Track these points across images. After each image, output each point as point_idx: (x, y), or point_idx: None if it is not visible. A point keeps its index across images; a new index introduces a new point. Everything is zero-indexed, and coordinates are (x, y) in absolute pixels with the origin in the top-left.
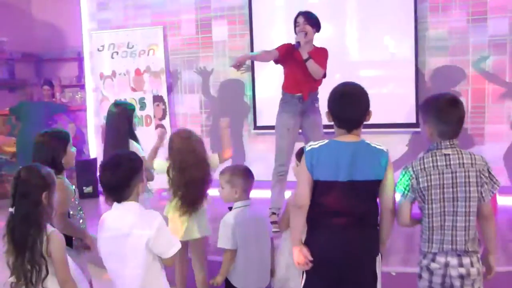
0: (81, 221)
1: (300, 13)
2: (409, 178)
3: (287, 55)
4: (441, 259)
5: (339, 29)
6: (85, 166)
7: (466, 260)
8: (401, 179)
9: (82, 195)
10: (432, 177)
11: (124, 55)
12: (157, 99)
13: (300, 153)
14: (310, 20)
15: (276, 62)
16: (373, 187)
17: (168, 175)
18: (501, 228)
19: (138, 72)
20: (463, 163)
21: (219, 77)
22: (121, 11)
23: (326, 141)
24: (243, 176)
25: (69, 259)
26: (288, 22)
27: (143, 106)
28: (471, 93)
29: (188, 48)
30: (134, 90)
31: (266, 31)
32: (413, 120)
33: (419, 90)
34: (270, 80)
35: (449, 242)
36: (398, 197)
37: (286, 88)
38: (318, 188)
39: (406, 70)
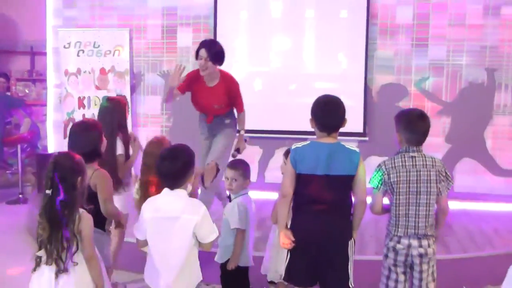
0: None
1: (203, 46)
2: (382, 174)
3: (191, 84)
4: (405, 241)
5: (297, 43)
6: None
7: (424, 242)
8: (375, 175)
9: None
10: (401, 174)
11: (90, 54)
12: None
13: (287, 153)
14: (212, 56)
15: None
16: (347, 181)
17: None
18: None
19: (103, 71)
20: (426, 164)
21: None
22: (88, 11)
23: (309, 142)
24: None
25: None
26: (251, 33)
27: None
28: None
29: (152, 52)
30: (98, 88)
31: (229, 40)
32: (361, 130)
33: (367, 103)
34: None
35: (413, 227)
36: (370, 190)
37: (196, 107)
38: (301, 180)
39: (356, 85)
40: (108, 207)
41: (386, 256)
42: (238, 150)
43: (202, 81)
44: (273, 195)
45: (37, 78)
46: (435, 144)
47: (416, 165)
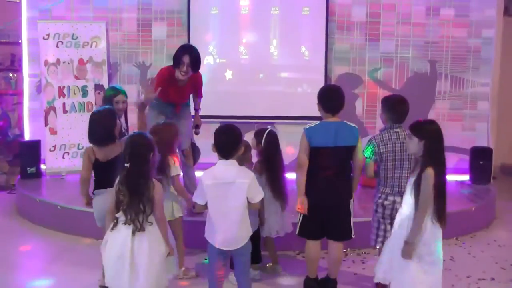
0: None
1: (187, 52)
2: (373, 146)
3: (164, 82)
4: (391, 198)
5: (264, 37)
6: (29, 147)
7: None
8: (367, 147)
9: (26, 176)
10: (388, 145)
11: (69, 45)
12: (98, 87)
13: (259, 133)
14: (194, 63)
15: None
16: (349, 150)
17: None
18: None
19: (81, 61)
20: (406, 137)
21: (157, 71)
22: (63, 3)
23: (318, 122)
24: None
25: None
26: (222, 27)
27: (85, 93)
28: (367, 96)
29: (128, 44)
30: (77, 78)
31: (202, 33)
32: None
33: None
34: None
35: (397, 186)
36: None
37: (162, 98)
38: (313, 152)
39: (317, 74)
40: None
41: (376, 211)
42: (198, 127)
43: (174, 79)
44: None
45: (7, 67)
46: None
47: (399, 138)
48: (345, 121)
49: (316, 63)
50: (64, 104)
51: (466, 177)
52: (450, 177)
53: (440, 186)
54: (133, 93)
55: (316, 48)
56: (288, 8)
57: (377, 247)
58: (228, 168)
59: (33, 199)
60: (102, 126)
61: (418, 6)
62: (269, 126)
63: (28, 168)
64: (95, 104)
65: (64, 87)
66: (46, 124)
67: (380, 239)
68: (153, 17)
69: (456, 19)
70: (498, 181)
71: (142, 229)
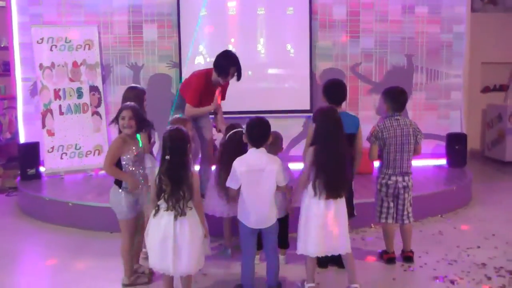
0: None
1: (235, 65)
2: (377, 132)
3: (201, 89)
4: (393, 177)
5: (251, 36)
6: (29, 149)
7: (406, 178)
8: (372, 133)
9: (26, 177)
10: (390, 131)
11: (63, 49)
12: (93, 89)
13: (228, 127)
14: (239, 75)
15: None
16: (352, 138)
17: None
18: None
19: (75, 64)
20: (406, 124)
21: (149, 71)
22: (54, 7)
23: None
24: None
25: None
26: (211, 28)
27: (80, 95)
28: (349, 89)
29: (120, 46)
30: (72, 80)
31: (191, 34)
32: (308, 108)
33: (312, 85)
34: None
35: (399, 167)
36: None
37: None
38: None
39: (303, 70)
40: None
41: (380, 190)
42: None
43: (209, 85)
44: None
45: None
46: (368, 116)
47: (400, 125)
48: (347, 111)
49: (301, 59)
50: (60, 106)
51: (443, 161)
52: (428, 162)
53: (320, 163)
54: None
55: (300, 45)
56: (273, 8)
57: (382, 221)
58: (259, 156)
59: (41, 199)
60: None
61: (394, 5)
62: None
63: (28, 170)
64: (91, 104)
65: (59, 89)
66: (43, 126)
67: (383, 215)
68: (144, 20)
69: (430, 16)
70: (468, 165)
71: (183, 213)
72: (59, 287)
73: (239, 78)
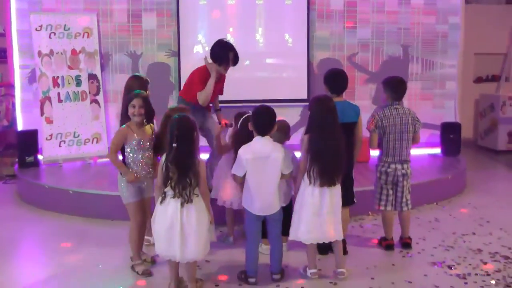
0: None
1: (231, 50)
2: (377, 121)
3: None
4: (392, 165)
5: (250, 26)
6: (27, 137)
7: (405, 166)
8: (372, 121)
9: (25, 164)
10: (390, 120)
11: (61, 36)
12: (92, 77)
13: (237, 116)
14: (236, 59)
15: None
16: (353, 126)
17: None
18: None
19: (74, 52)
20: (405, 113)
21: (148, 60)
22: None
23: None
24: None
25: None
26: (210, 17)
27: (79, 83)
28: None
29: (119, 34)
30: (70, 68)
31: (191, 23)
32: (305, 96)
33: (310, 75)
34: (193, 64)
35: (398, 155)
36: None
37: (192, 100)
38: None
39: (300, 60)
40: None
41: (379, 178)
42: (226, 124)
43: (209, 78)
44: None
45: None
46: (364, 106)
47: (399, 113)
48: (348, 101)
49: (299, 49)
50: (59, 93)
51: (437, 150)
52: (423, 151)
53: (315, 151)
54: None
55: (298, 35)
56: None
57: (381, 208)
58: (264, 144)
59: (41, 186)
60: None
61: None
62: (249, 111)
63: (26, 157)
64: (89, 92)
65: (58, 77)
66: (42, 113)
67: (383, 202)
68: (143, 8)
69: (425, 7)
70: (461, 154)
71: (190, 200)
72: (65, 274)
73: (236, 62)
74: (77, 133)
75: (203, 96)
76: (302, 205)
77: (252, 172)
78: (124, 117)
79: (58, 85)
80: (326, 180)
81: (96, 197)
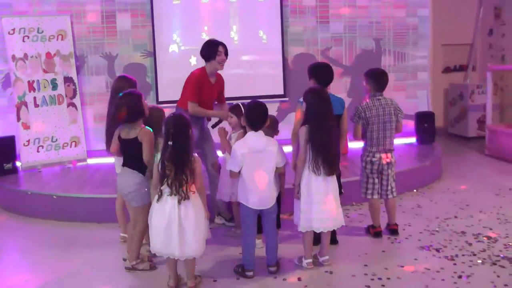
0: None
1: (220, 44)
2: (360, 112)
3: (198, 84)
4: (377, 155)
5: (224, 24)
6: (4, 143)
7: (389, 154)
8: (355, 113)
9: (3, 172)
10: (373, 111)
11: (35, 39)
12: (68, 80)
13: (235, 108)
14: (226, 51)
15: None
16: (338, 118)
17: None
18: None
19: (48, 55)
20: (387, 103)
21: (124, 61)
22: None
23: None
24: None
25: None
26: (184, 17)
27: (55, 86)
28: None
29: (94, 36)
30: (45, 71)
31: (165, 23)
32: (282, 92)
33: (285, 70)
34: (169, 63)
35: (382, 144)
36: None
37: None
38: None
39: (275, 56)
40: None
41: (365, 167)
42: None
43: (206, 80)
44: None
45: None
46: None
47: (382, 104)
48: (333, 93)
49: (274, 45)
50: (35, 98)
51: (413, 139)
52: (399, 140)
53: (317, 141)
54: (103, 84)
55: (272, 31)
56: None
57: (368, 197)
58: (258, 138)
59: (23, 193)
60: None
61: None
62: (239, 102)
63: (4, 165)
64: (66, 96)
65: (33, 81)
66: (18, 119)
67: (369, 191)
68: (117, 9)
69: (396, 1)
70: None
71: (187, 197)
72: (60, 278)
73: (227, 53)
74: (55, 138)
75: (195, 109)
76: (310, 196)
77: (249, 167)
78: (113, 119)
79: (34, 90)
80: (329, 169)
81: (81, 201)
